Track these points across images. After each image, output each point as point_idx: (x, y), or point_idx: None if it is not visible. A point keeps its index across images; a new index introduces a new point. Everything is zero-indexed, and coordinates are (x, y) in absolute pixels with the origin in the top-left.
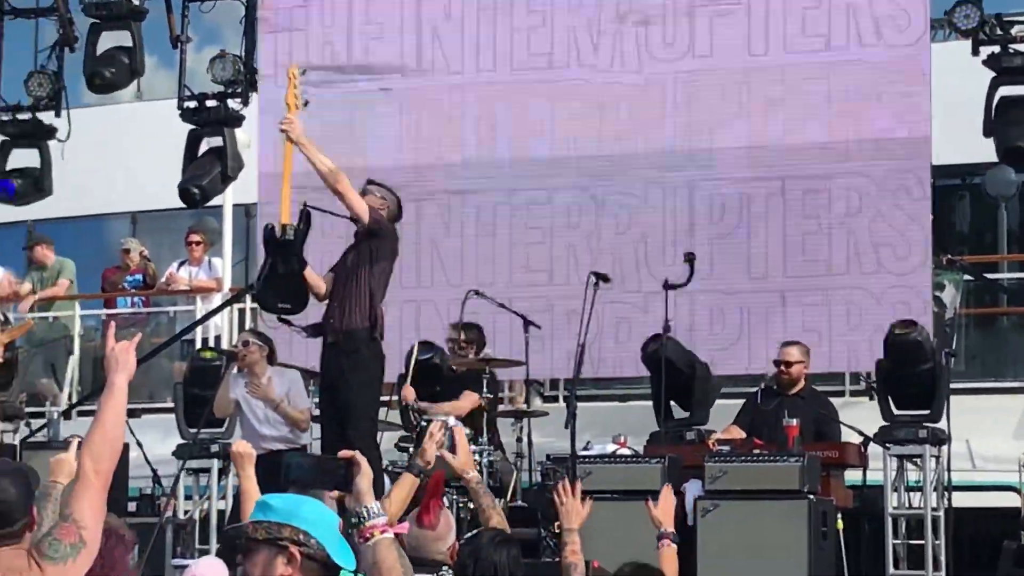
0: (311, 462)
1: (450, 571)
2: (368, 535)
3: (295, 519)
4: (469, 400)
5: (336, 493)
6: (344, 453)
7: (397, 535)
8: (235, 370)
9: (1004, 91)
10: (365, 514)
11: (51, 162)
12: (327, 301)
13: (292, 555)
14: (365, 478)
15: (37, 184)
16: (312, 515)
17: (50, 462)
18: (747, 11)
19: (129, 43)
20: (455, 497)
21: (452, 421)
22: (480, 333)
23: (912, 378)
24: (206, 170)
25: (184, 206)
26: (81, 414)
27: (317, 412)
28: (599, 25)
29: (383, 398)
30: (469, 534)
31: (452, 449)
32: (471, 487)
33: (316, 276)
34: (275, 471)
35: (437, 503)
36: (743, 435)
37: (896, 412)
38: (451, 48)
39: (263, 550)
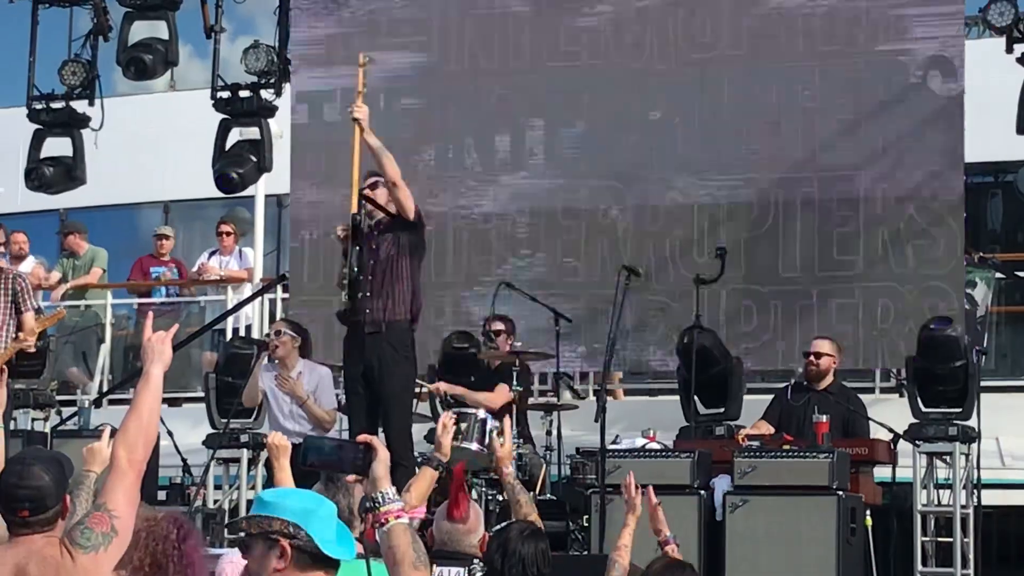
0: (329, 446)
1: (480, 564)
2: (383, 520)
3: (285, 512)
4: (502, 394)
5: (353, 477)
6: (362, 438)
7: (425, 521)
8: (265, 360)
9: None
10: (380, 499)
11: (84, 151)
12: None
13: (283, 548)
14: (381, 464)
15: (70, 173)
16: (303, 506)
17: (83, 451)
18: (781, 15)
19: (162, 33)
20: (484, 489)
21: (481, 414)
22: (513, 325)
23: (944, 375)
24: (241, 160)
25: (216, 196)
26: (112, 403)
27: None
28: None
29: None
30: (498, 527)
31: (481, 440)
32: (507, 482)
33: None
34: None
35: (465, 496)
36: (772, 430)
37: (926, 409)
38: (482, 39)
39: (258, 544)
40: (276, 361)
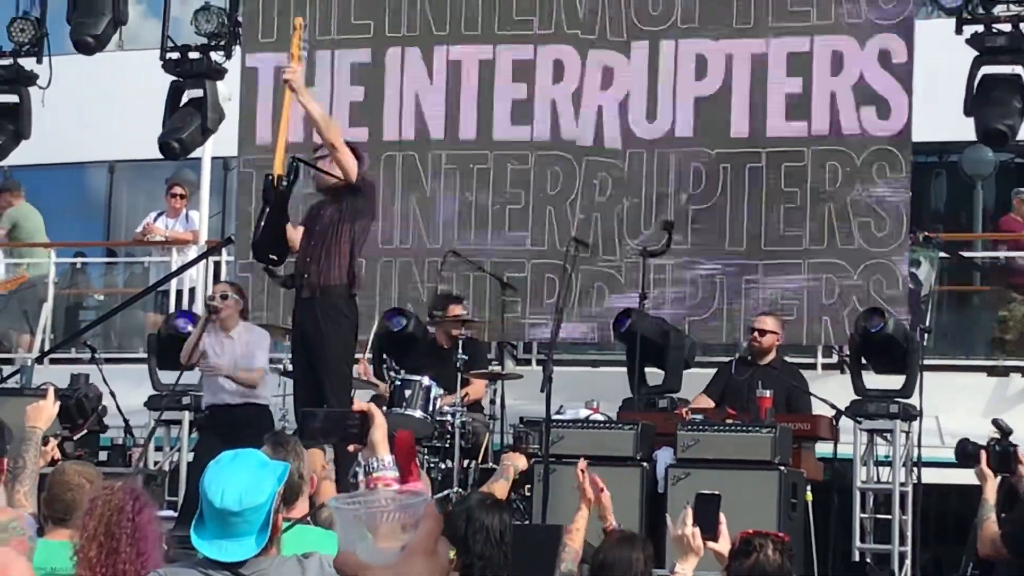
0: (325, 416)
1: None
2: (371, 486)
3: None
4: (481, 384)
5: (352, 447)
6: (358, 406)
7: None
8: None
9: (986, 70)
10: (375, 465)
11: (31, 108)
12: (297, 254)
13: None
14: (379, 430)
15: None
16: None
17: (28, 409)
18: None
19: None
20: (426, 456)
21: (426, 382)
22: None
23: (884, 365)
24: (186, 123)
25: (162, 157)
26: (53, 361)
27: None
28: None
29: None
30: (440, 494)
31: (425, 407)
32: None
33: (293, 229)
34: (232, 423)
35: (416, 464)
36: (712, 404)
37: (868, 387)
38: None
39: None
40: (215, 323)
